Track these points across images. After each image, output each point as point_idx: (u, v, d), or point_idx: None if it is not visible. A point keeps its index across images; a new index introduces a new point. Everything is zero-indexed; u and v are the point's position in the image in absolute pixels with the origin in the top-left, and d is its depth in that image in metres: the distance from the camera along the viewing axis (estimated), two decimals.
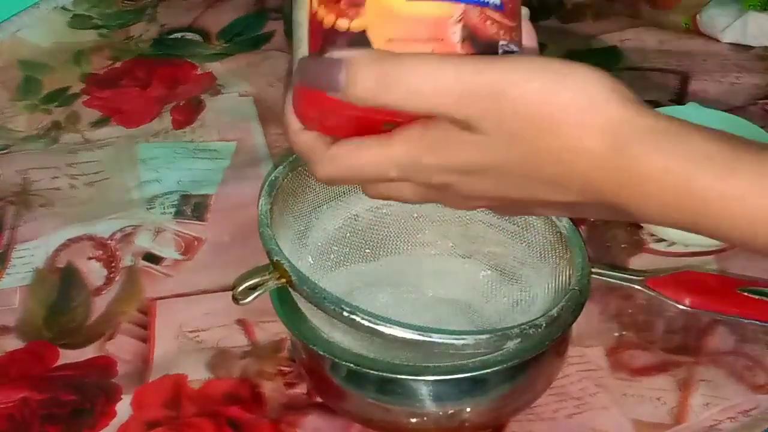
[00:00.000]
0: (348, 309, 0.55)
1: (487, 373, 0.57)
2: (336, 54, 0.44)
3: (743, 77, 0.93)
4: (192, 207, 0.81)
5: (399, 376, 0.59)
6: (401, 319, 0.55)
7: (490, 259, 0.68)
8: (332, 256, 0.68)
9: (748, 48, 0.97)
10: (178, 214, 0.81)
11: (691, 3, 1.02)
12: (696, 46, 0.97)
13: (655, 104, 0.87)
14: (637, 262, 0.74)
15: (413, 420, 0.61)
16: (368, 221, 0.69)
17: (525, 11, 0.48)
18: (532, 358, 0.58)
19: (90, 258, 0.77)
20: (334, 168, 0.47)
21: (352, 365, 0.58)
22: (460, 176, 0.45)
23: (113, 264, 0.76)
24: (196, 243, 0.78)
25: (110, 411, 0.65)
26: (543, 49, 0.49)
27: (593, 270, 0.63)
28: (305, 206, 0.67)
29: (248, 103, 0.94)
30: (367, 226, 0.69)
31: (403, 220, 0.69)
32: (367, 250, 0.69)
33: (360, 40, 0.44)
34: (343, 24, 0.44)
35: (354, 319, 0.55)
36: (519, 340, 0.56)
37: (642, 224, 0.75)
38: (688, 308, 0.68)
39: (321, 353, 0.59)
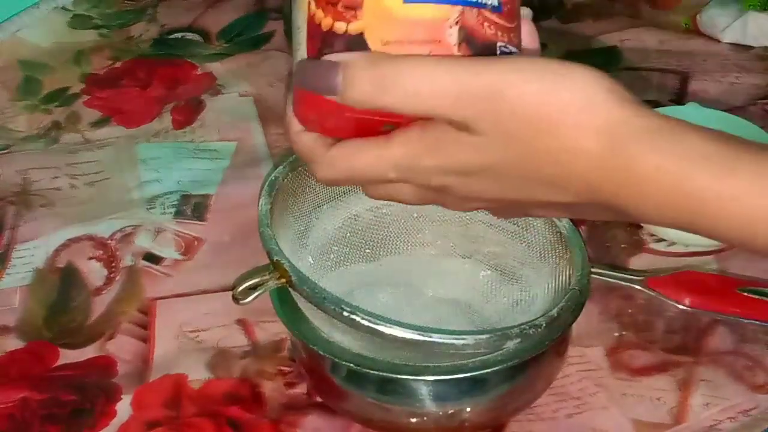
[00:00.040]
0: (348, 309, 0.55)
1: (487, 373, 0.57)
2: (333, 57, 0.44)
3: (743, 77, 0.93)
4: (192, 207, 0.81)
5: (399, 376, 0.59)
6: (401, 319, 0.55)
7: (490, 259, 0.68)
8: (332, 256, 0.68)
9: (748, 48, 0.97)
10: (178, 214, 0.81)
11: (691, 3, 1.02)
12: (696, 46, 0.97)
13: (655, 104, 0.87)
14: (637, 262, 0.74)
15: (413, 420, 0.61)
16: (368, 221, 0.69)
17: (527, 12, 0.48)
18: (532, 358, 0.58)
19: (90, 258, 0.77)
20: (334, 170, 0.47)
21: (352, 365, 0.59)
22: (458, 178, 0.46)
23: (113, 264, 0.76)
24: (196, 243, 0.78)
25: (110, 411, 0.65)
26: (543, 49, 0.49)
27: (593, 270, 0.63)
28: (305, 206, 0.67)
29: (248, 103, 0.94)
30: (367, 226, 0.69)
31: (403, 220, 0.69)
32: (367, 250, 0.69)
33: (357, 42, 0.44)
34: (340, 27, 0.44)
35: (354, 319, 0.55)
36: (519, 340, 0.56)
37: (642, 224, 0.75)
38: (688, 308, 0.68)
39: (321, 353, 0.59)
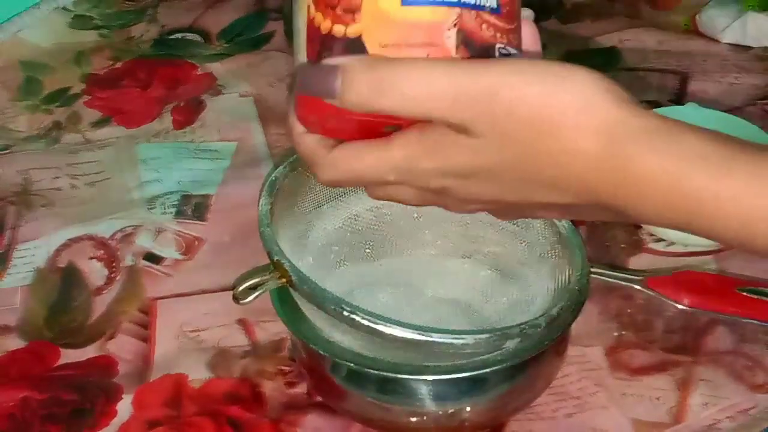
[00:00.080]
0: (348, 309, 0.55)
1: (487, 372, 0.58)
2: (331, 61, 0.44)
3: (742, 78, 0.93)
4: (192, 207, 0.82)
5: (399, 376, 0.59)
6: (401, 319, 0.55)
7: (490, 259, 0.68)
8: (332, 256, 0.68)
9: (747, 48, 0.97)
10: (179, 214, 0.81)
11: (690, 3, 1.02)
12: (695, 47, 0.97)
13: (654, 104, 0.87)
14: (637, 261, 0.74)
15: (413, 419, 0.61)
16: (368, 221, 0.69)
17: (529, 13, 0.48)
18: (531, 358, 0.58)
19: (91, 258, 0.77)
20: (335, 172, 0.47)
21: (352, 365, 0.59)
22: (456, 180, 0.46)
23: (114, 264, 0.76)
24: (196, 243, 0.78)
25: (111, 410, 0.65)
26: (543, 50, 0.49)
27: (593, 270, 0.63)
28: (305, 206, 0.67)
29: (248, 103, 0.94)
30: (367, 226, 0.69)
31: (403, 220, 0.69)
32: (367, 250, 0.69)
33: (356, 45, 0.44)
34: (339, 30, 0.44)
35: (354, 319, 0.55)
36: (519, 339, 0.56)
37: (641, 224, 0.76)
38: (687, 308, 0.68)
39: (321, 353, 0.59)
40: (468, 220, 0.68)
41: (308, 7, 0.45)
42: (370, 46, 0.44)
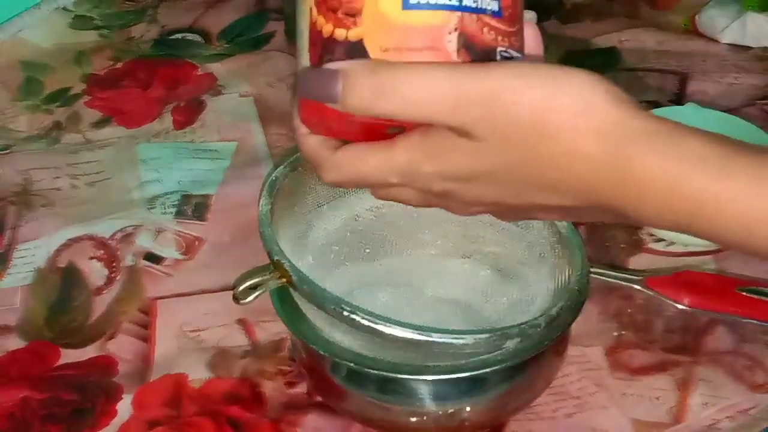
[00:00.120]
0: (348, 309, 0.55)
1: (487, 372, 0.58)
2: (333, 65, 0.44)
3: (742, 78, 0.93)
4: (192, 207, 0.82)
5: (399, 376, 0.59)
6: (401, 319, 0.55)
7: (490, 259, 0.68)
8: (332, 256, 0.68)
9: (746, 49, 0.97)
10: (179, 214, 0.81)
11: (690, 3, 1.02)
12: (695, 47, 0.98)
13: (654, 105, 0.87)
14: (637, 261, 0.74)
15: (413, 419, 0.61)
16: (368, 221, 0.69)
17: (532, 15, 0.48)
18: (531, 358, 0.58)
19: (91, 258, 0.77)
20: (339, 173, 0.48)
21: (352, 365, 0.59)
22: (458, 183, 0.46)
23: (114, 264, 0.77)
24: (196, 243, 0.78)
25: (111, 410, 0.65)
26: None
27: (592, 270, 0.63)
28: (305, 206, 0.67)
29: (249, 103, 0.94)
30: (367, 226, 0.69)
31: (403, 220, 0.69)
32: (367, 250, 0.69)
33: (357, 49, 0.44)
34: (341, 33, 0.44)
35: (354, 319, 0.55)
36: (518, 339, 0.56)
37: (641, 226, 0.76)
38: (687, 308, 0.68)
39: (321, 353, 0.59)
40: (468, 220, 0.68)
41: (310, 10, 0.45)
42: (372, 50, 0.44)
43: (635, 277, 0.69)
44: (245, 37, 1.03)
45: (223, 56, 1.00)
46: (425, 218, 0.69)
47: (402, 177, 0.46)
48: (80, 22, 1.07)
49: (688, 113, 0.81)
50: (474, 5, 0.44)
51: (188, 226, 0.80)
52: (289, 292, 0.61)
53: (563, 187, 0.44)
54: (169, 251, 0.78)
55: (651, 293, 0.68)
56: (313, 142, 0.48)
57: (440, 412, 0.61)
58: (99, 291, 0.74)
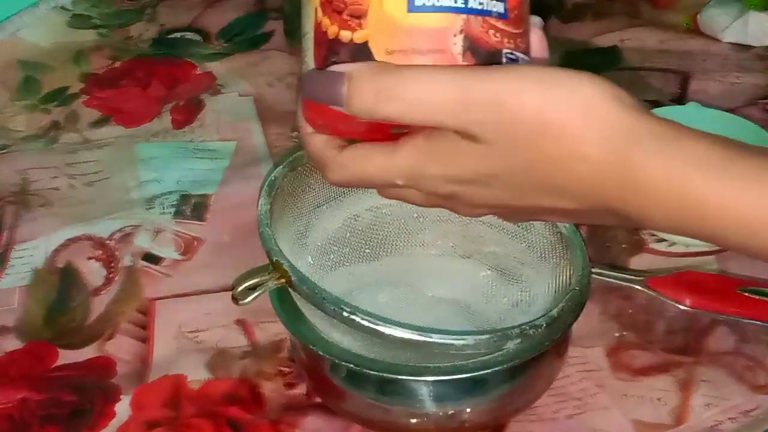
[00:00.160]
0: (348, 309, 0.55)
1: (487, 373, 0.57)
2: (338, 68, 0.44)
3: (743, 77, 0.92)
4: (191, 207, 0.81)
5: (399, 377, 0.59)
6: (401, 319, 0.55)
7: (490, 259, 0.68)
8: (332, 256, 0.68)
9: (748, 48, 0.96)
10: (178, 214, 0.81)
11: (691, 3, 1.02)
12: (696, 46, 0.97)
13: (655, 104, 0.87)
14: (638, 262, 0.74)
15: (413, 420, 0.61)
16: (368, 221, 0.69)
17: (538, 20, 0.48)
18: (532, 359, 0.58)
19: (89, 258, 0.77)
20: (344, 173, 0.48)
21: (351, 365, 0.58)
22: (463, 186, 0.46)
23: (112, 264, 0.76)
24: (195, 243, 0.78)
25: (110, 411, 0.65)
26: None
27: (593, 270, 0.63)
28: (305, 206, 0.67)
29: (248, 102, 0.94)
30: (367, 226, 0.69)
31: (403, 220, 0.69)
32: (367, 250, 0.69)
33: (362, 51, 0.44)
34: (346, 35, 0.44)
35: (354, 319, 0.55)
36: (519, 340, 0.56)
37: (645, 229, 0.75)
38: (689, 308, 0.68)
39: (321, 353, 0.59)
40: (468, 220, 0.68)
41: (316, 11, 0.45)
42: (377, 52, 0.44)
43: (636, 278, 0.69)
44: (244, 37, 1.03)
45: (223, 55, 1.00)
46: (425, 218, 0.69)
47: (407, 179, 0.47)
48: (79, 21, 1.07)
49: (689, 113, 0.81)
50: (480, 7, 0.44)
51: (187, 226, 0.80)
52: (288, 292, 0.61)
53: (568, 190, 0.44)
54: (167, 251, 0.77)
55: (652, 294, 0.68)
56: (318, 142, 0.48)
57: (440, 414, 0.61)
58: (97, 291, 0.74)
